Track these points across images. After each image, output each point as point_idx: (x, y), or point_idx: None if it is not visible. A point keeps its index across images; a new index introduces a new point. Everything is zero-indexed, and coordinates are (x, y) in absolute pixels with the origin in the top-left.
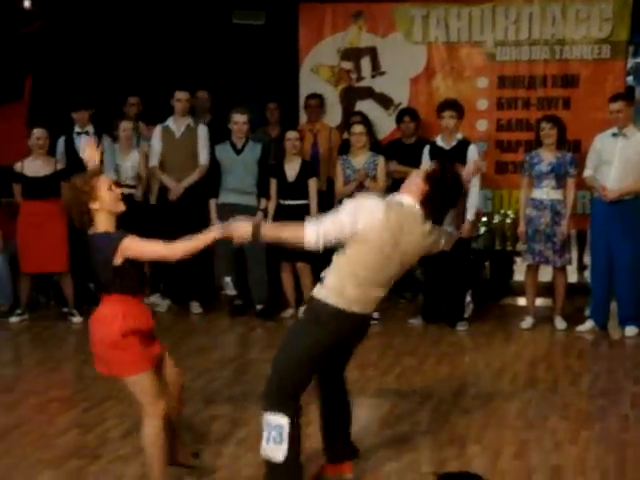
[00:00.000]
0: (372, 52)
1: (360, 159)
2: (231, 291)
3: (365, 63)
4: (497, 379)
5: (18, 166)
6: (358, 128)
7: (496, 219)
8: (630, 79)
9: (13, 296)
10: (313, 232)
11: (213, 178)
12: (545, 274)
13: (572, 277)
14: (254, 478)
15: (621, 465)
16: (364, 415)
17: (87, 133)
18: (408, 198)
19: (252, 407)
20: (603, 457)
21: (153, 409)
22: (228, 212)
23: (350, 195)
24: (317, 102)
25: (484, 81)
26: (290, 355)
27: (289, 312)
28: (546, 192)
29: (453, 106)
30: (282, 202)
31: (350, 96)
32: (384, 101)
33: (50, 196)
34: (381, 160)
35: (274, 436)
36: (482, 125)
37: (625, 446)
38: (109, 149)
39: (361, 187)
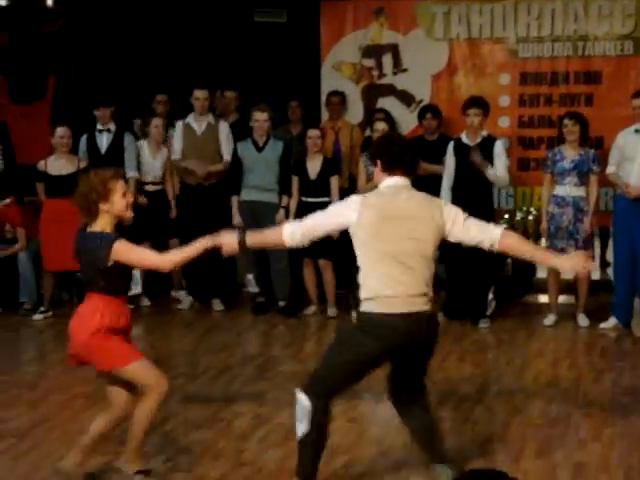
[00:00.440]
0: (394, 49)
1: None
2: (253, 288)
3: (387, 60)
4: (520, 376)
5: (41, 165)
6: (381, 125)
7: (518, 216)
8: None
9: (37, 294)
10: (289, 231)
11: (235, 175)
12: None
13: (595, 274)
14: (277, 474)
15: None
16: (387, 412)
17: (109, 131)
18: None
19: (274, 404)
20: (627, 454)
21: (157, 387)
22: (250, 209)
23: None
24: (339, 99)
25: (506, 78)
26: (332, 357)
27: (312, 309)
28: (568, 189)
29: (479, 103)
30: (304, 199)
31: (372, 93)
32: (406, 98)
33: (73, 194)
34: None
35: (297, 412)
36: (504, 122)
37: None
38: (130, 147)
39: None
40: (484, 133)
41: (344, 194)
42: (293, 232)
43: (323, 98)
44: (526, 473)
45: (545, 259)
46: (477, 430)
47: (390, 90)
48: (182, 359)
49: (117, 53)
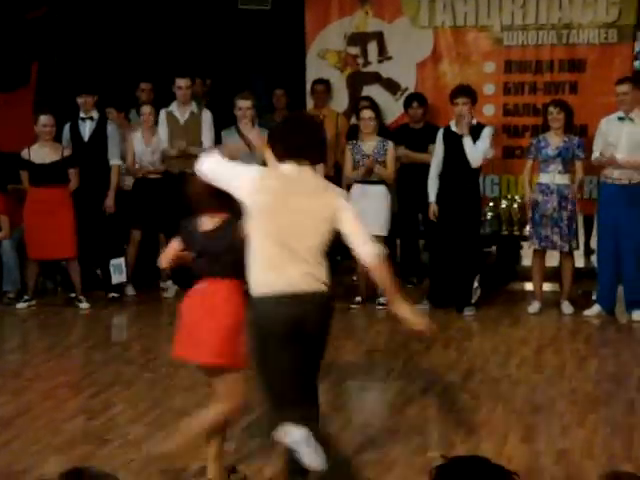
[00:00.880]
0: (379, 37)
1: (370, 144)
2: None
3: (372, 48)
4: (504, 364)
5: (25, 153)
6: (367, 113)
7: (503, 204)
8: (637, 63)
9: (20, 282)
10: (205, 161)
11: None
12: (552, 259)
13: (579, 262)
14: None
15: (628, 448)
16: (371, 399)
17: (92, 119)
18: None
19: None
20: (610, 440)
21: (231, 406)
22: None
23: (358, 180)
24: (324, 87)
25: (491, 66)
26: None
27: None
28: (553, 177)
29: (466, 92)
30: None
31: (357, 81)
32: (391, 86)
33: (57, 183)
34: (390, 146)
35: (297, 446)
36: (489, 110)
37: (632, 429)
38: (113, 135)
39: (370, 172)
40: (473, 121)
41: (329, 182)
42: (206, 162)
43: (308, 86)
44: (510, 459)
45: (393, 300)
46: (461, 417)
47: (375, 78)
48: (168, 348)
49: (100, 40)
